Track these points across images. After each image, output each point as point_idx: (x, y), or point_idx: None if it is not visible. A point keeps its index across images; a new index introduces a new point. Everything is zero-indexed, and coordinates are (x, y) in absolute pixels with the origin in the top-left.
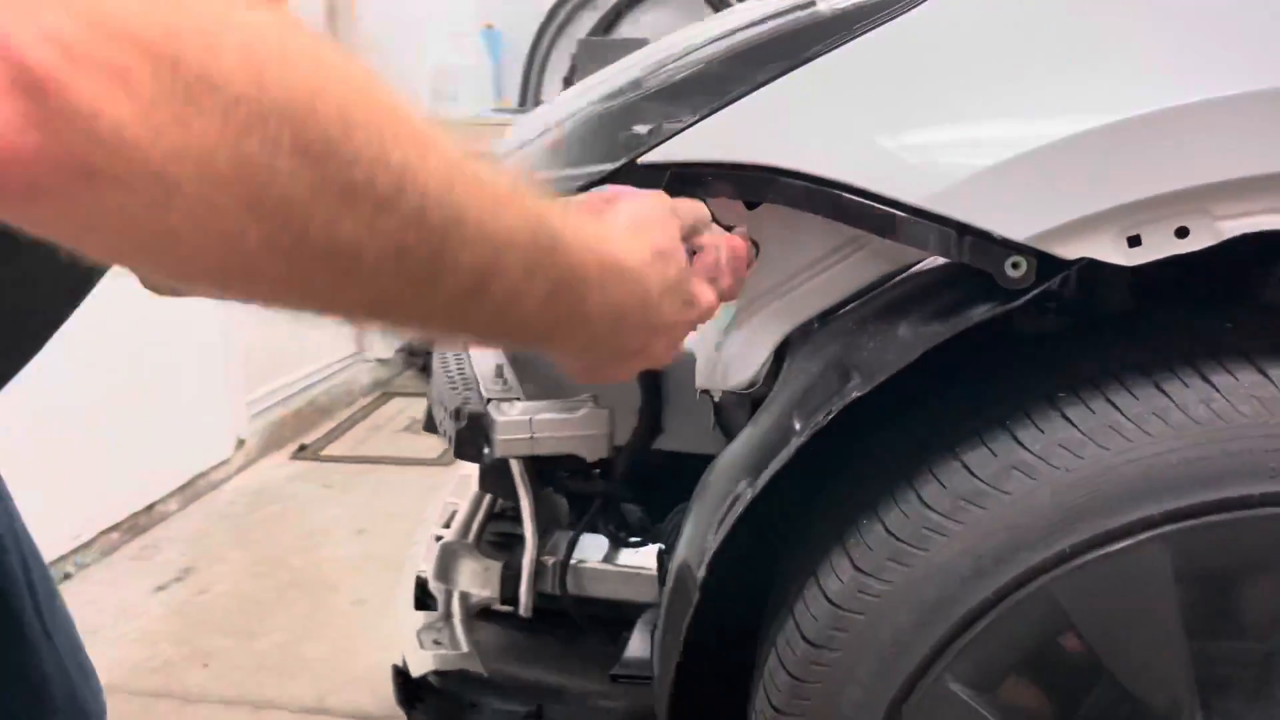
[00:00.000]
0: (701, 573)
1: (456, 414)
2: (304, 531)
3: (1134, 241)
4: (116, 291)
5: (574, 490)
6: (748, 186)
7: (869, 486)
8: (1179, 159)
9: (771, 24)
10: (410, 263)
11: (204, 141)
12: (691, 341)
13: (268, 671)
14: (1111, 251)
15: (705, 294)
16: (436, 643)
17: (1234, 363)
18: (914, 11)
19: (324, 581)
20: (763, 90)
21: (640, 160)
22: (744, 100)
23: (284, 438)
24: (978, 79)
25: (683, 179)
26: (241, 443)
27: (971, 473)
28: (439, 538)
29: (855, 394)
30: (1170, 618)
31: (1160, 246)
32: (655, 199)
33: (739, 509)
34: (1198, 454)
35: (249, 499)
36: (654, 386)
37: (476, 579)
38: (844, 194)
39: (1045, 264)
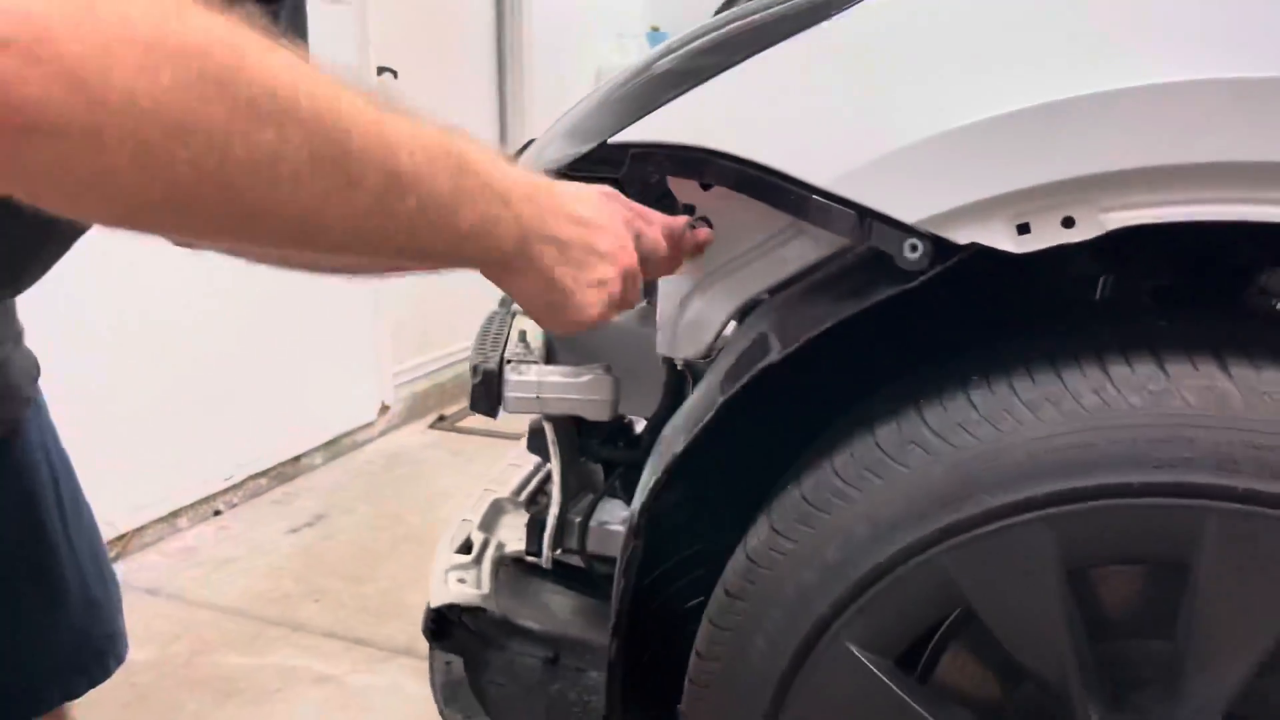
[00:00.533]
0: (639, 519)
1: (474, 371)
2: (427, 493)
3: (1024, 229)
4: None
5: (603, 457)
6: (689, 166)
7: (805, 456)
8: (1062, 150)
9: (741, 21)
10: (323, 166)
11: (124, 86)
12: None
13: (369, 613)
14: (1001, 238)
15: (627, 258)
16: (461, 580)
17: (1138, 356)
18: (845, 12)
19: (435, 539)
20: (710, 82)
21: (609, 140)
22: (694, 90)
23: (425, 407)
24: (888, 72)
25: (638, 157)
26: (385, 409)
27: (878, 445)
28: (491, 491)
29: (767, 362)
30: (1053, 598)
31: (1048, 235)
32: (599, 188)
33: (671, 462)
34: (1082, 440)
35: (385, 460)
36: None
37: (512, 531)
38: (765, 175)
39: (942, 248)
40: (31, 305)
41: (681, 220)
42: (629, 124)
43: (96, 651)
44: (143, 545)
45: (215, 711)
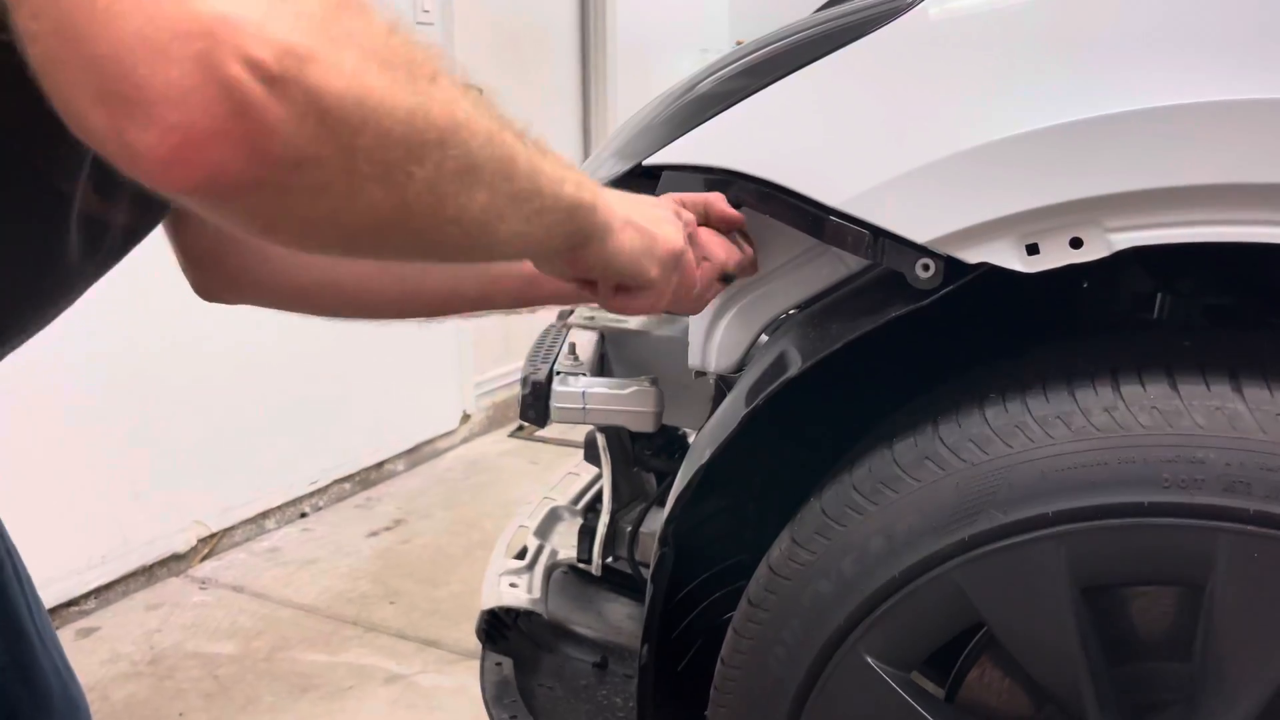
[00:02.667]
0: (665, 528)
1: (524, 381)
2: (504, 501)
3: (1033, 250)
4: None
5: (655, 467)
6: (716, 188)
7: (829, 470)
8: (1067, 171)
9: (772, 46)
10: (499, 166)
11: (374, 112)
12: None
13: (441, 616)
14: (1011, 258)
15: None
16: (513, 585)
17: (1152, 375)
18: (860, 40)
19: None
20: (738, 105)
21: (644, 162)
22: (724, 114)
23: (505, 417)
24: (900, 96)
25: (671, 179)
26: (467, 418)
27: (895, 459)
28: (550, 499)
29: (787, 378)
30: (1065, 615)
31: (1057, 256)
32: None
33: (695, 474)
34: (1093, 459)
35: (464, 467)
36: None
37: (566, 538)
38: (783, 195)
39: (954, 267)
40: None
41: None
42: (665, 145)
43: None
44: (231, 545)
45: (291, 705)
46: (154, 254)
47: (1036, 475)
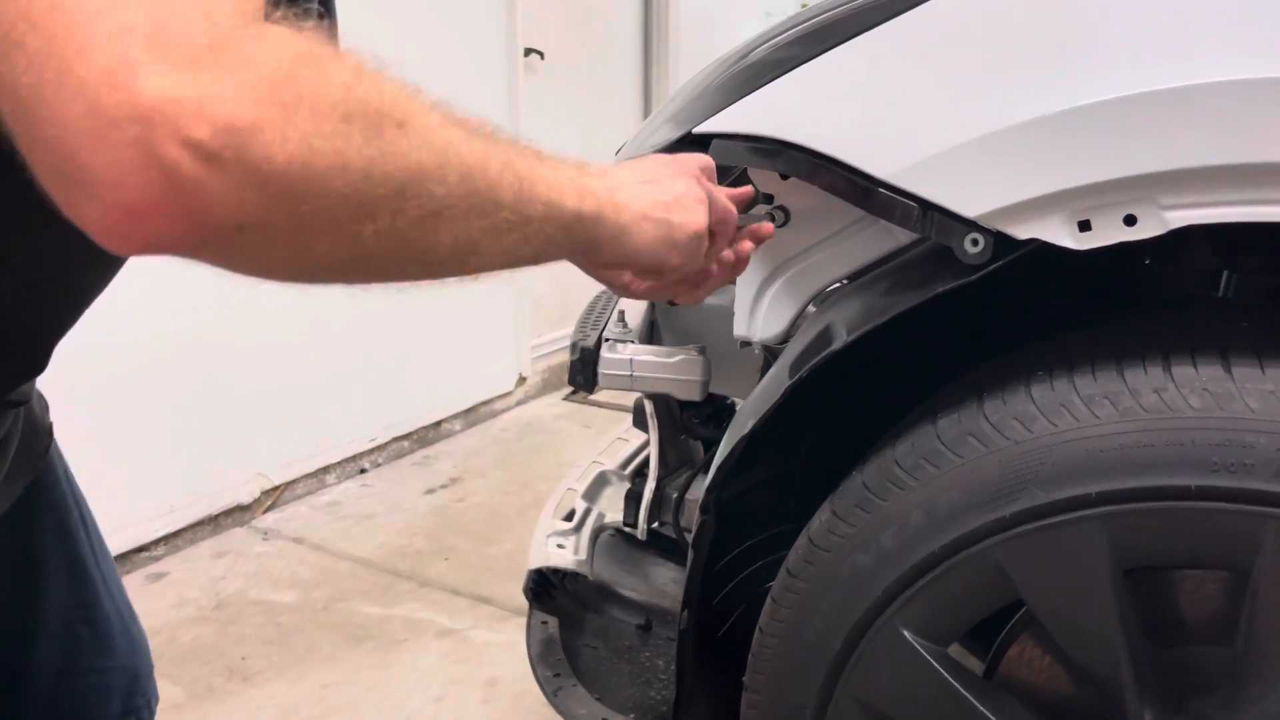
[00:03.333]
0: (706, 497)
1: (573, 347)
2: (557, 463)
3: (1084, 226)
4: None
5: (702, 435)
6: (765, 156)
7: (874, 442)
8: (1124, 146)
9: (828, 14)
10: (478, 202)
11: (323, 179)
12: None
13: (493, 574)
14: (1062, 234)
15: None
16: (560, 546)
17: (1205, 356)
18: (910, 11)
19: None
20: (790, 74)
21: (694, 130)
22: (775, 82)
23: (560, 381)
24: (950, 68)
25: (720, 147)
26: (523, 380)
27: (938, 435)
28: (599, 463)
29: (830, 351)
30: (1105, 597)
31: (1110, 233)
32: (666, 161)
33: (737, 444)
34: (1139, 440)
35: (519, 429)
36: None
37: (614, 502)
38: (832, 166)
39: (1003, 243)
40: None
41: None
42: (716, 113)
43: (143, 691)
44: (293, 498)
45: (347, 654)
46: None
47: (1081, 455)
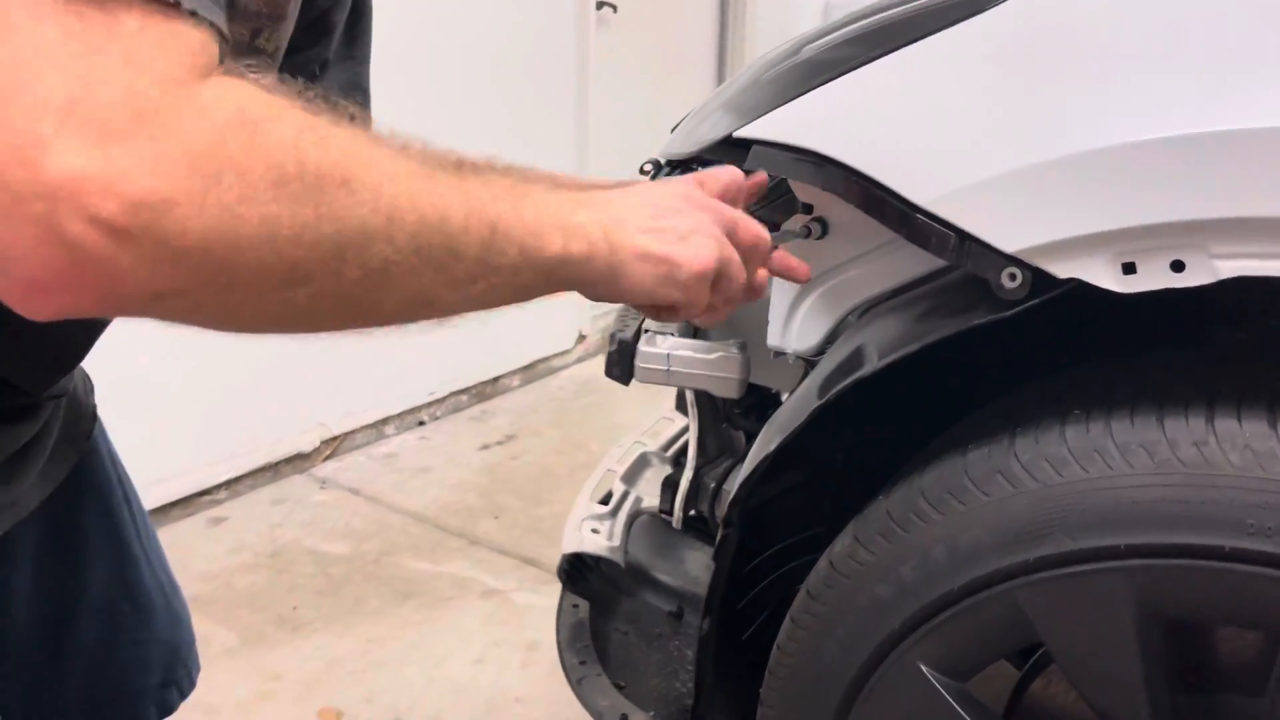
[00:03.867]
0: (730, 511)
1: (611, 338)
2: (611, 424)
3: (1129, 269)
4: None
5: (743, 426)
6: (804, 169)
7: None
8: (1175, 190)
9: (891, 11)
10: (431, 255)
11: (248, 252)
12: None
13: (541, 535)
14: (1104, 276)
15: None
16: (594, 530)
17: (1251, 409)
18: (960, 25)
19: None
20: (838, 79)
21: (734, 134)
22: (823, 87)
23: None
24: (1005, 89)
25: (759, 154)
26: (582, 338)
27: (965, 469)
28: (641, 444)
29: (859, 376)
30: (1127, 651)
31: (1155, 278)
32: (681, 193)
33: (762, 462)
34: (1174, 495)
35: (576, 387)
36: None
37: (653, 486)
38: (869, 186)
39: (1042, 280)
40: None
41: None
42: (760, 115)
43: (183, 662)
44: (352, 448)
45: (394, 610)
46: None
47: (1111, 505)
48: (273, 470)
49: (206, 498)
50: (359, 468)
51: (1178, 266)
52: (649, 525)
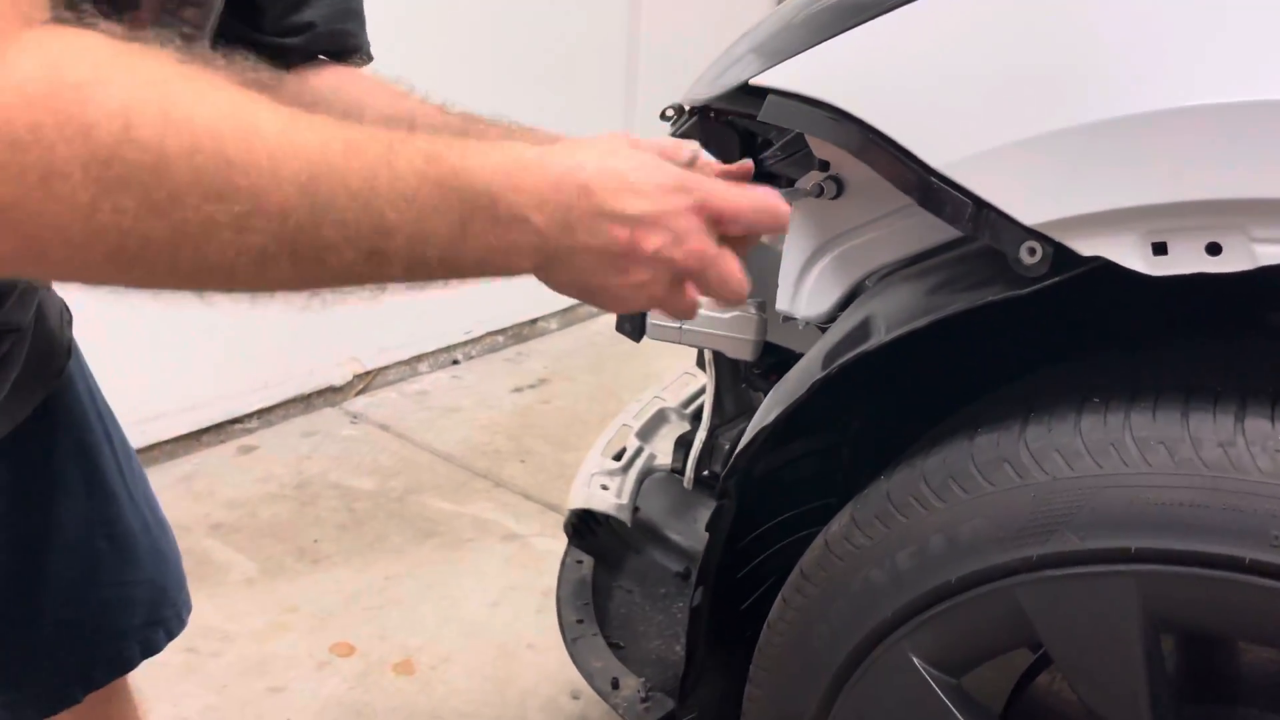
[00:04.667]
0: (724, 483)
1: None
2: (645, 372)
3: (1160, 249)
4: None
5: (762, 387)
6: (820, 123)
7: (907, 448)
8: (1214, 164)
9: None
10: (302, 257)
11: (64, 224)
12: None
13: (565, 481)
14: (1132, 256)
15: (684, 257)
16: (603, 487)
17: None
18: None
19: None
20: (864, 25)
21: (751, 81)
22: (847, 33)
23: None
24: (1039, 44)
25: (775, 104)
26: None
27: (971, 455)
28: (660, 400)
29: (862, 350)
30: (1133, 659)
31: (1188, 261)
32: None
33: (759, 434)
34: (1192, 498)
35: (614, 334)
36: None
37: (668, 443)
38: (884, 144)
39: (1064, 256)
40: None
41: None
42: (782, 60)
43: (171, 602)
44: (385, 383)
45: (414, 549)
46: None
47: (1124, 503)
48: (305, 402)
49: (238, 426)
50: (390, 404)
51: (1214, 249)
52: (662, 483)
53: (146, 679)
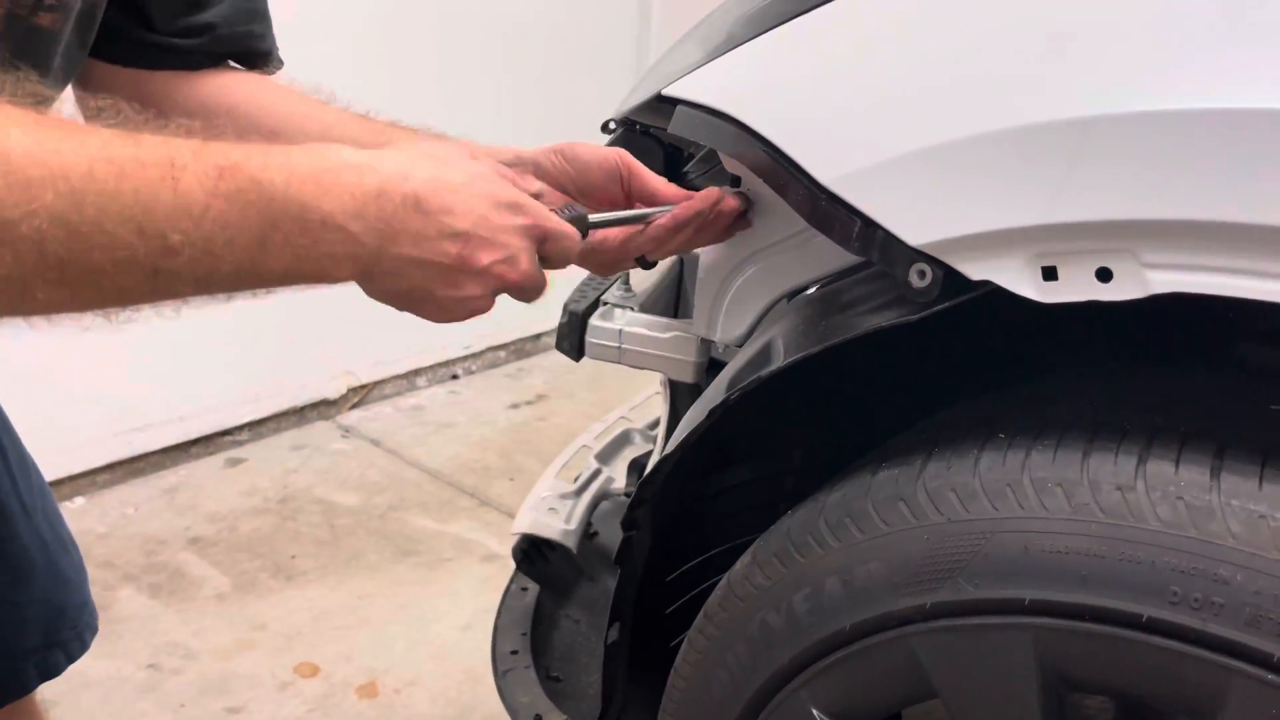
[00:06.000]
0: (628, 515)
1: (564, 309)
2: (645, 391)
3: (1050, 274)
4: None
5: None
6: (721, 136)
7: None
8: (1101, 182)
9: None
10: (47, 288)
11: None
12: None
13: None
14: (1021, 281)
15: (511, 273)
16: (552, 510)
17: (1195, 451)
18: None
19: None
20: (771, 33)
21: (663, 92)
22: (756, 40)
23: None
24: (915, 54)
25: (684, 116)
26: None
27: (870, 491)
28: (625, 420)
29: (757, 378)
30: (1029, 717)
31: (1079, 288)
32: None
33: (661, 466)
34: (1088, 547)
35: None
36: None
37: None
38: (778, 159)
39: (953, 280)
40: None
41: (697, 199)
42: (675, 78)
43: (71, 624)
44: (380, 397)
45: (390, 567)
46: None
47: (1019, 551)
48: (297, 415)
49: (228, 438)
50: (384, 418)
51: (1104, 275)
52: (620, 507)
53: (103, 695)
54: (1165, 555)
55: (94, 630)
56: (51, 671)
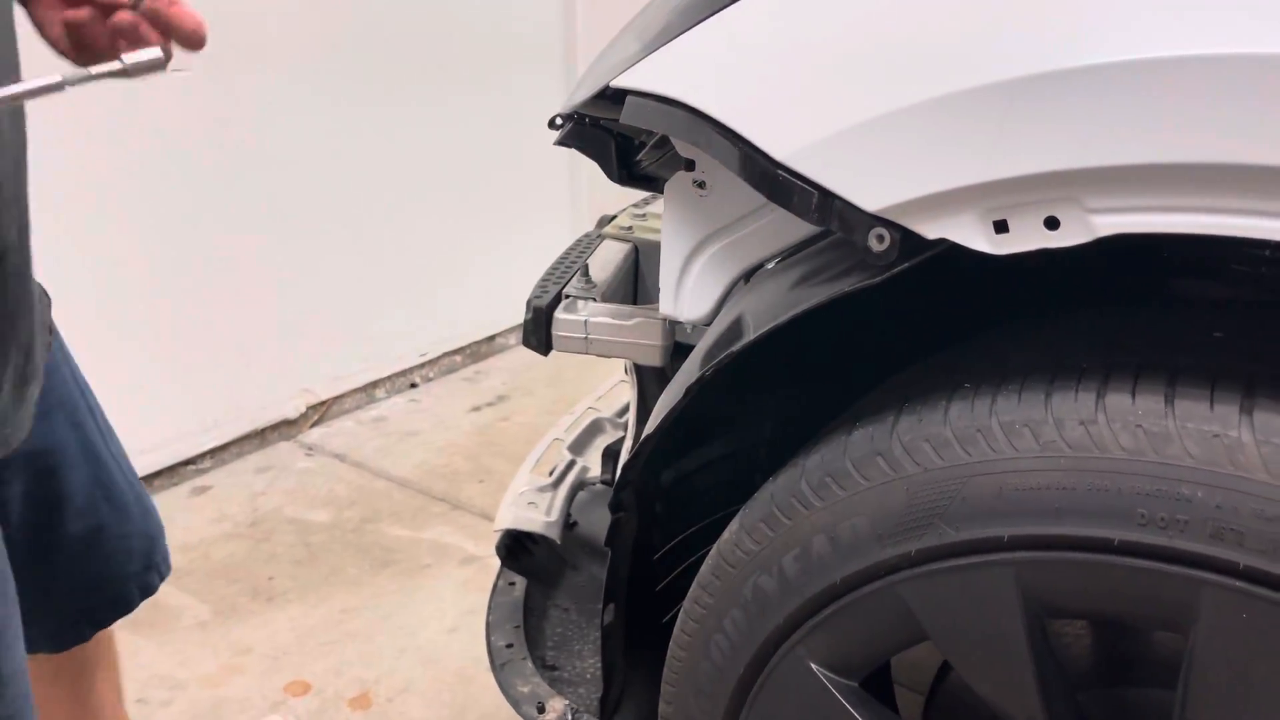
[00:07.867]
0: (615, 498)
1: (528, 305)
2: (607, 385)
3: (1001, 227)
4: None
5: None
6: (673, 122)
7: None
8: (1043, 135)
9: None
10: None
11: None
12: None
13: None
14: (975, 236)
15: None
16: (531, 504)
17: (1149, 382)
18: None
19: None
20: (715, 17)
21: (611, 84)
22: (702, 24)
23: None
24: (860, 27)
25: (634, 106)
26: None
27: (847, 451)
28: (594, 410)
29: (730, 352)
30: (1016, 647)
31: (1029, 237)
32: None
33: (642, 447)
34: (1058, 481)
35: None
36: None
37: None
38: (732, 140)
39: (911, 241)
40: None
41: None
42: (622, 69)
43: (160, 550)
44: (341, 412)
45: (371, 578)
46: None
47: (994, 492)
48: (259, 437)
49: (191, 467)
50: (347, 433)
51: (1052, 224)
52: (599, 495)
53: None
54: (1130, 481)
55: (169, 562)
56: (150, 589)
